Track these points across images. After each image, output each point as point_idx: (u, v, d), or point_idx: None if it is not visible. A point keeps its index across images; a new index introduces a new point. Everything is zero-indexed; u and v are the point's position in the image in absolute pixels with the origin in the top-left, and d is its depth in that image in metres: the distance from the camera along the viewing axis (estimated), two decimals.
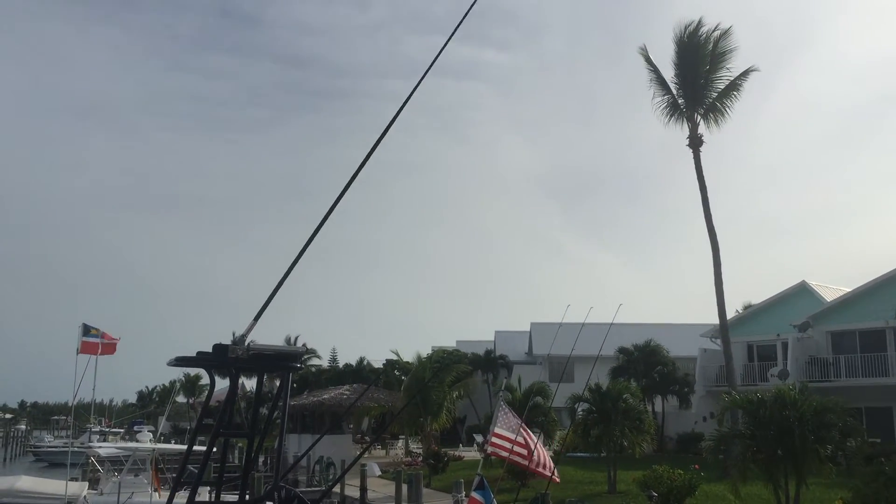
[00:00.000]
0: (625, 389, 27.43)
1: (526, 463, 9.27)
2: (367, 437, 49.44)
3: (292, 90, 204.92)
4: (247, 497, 4.85)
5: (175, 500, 5.23)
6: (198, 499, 4.77)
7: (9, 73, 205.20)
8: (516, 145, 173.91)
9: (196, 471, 5.99)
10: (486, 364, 62.73)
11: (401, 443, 47.01)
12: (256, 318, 4.60)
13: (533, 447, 9.18)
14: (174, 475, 27.17)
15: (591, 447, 26.68)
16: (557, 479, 9.37)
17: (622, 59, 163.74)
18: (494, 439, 9.37)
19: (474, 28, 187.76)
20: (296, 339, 77.13)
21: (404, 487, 24.21)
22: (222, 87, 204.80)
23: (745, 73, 34.50)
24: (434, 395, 39.05)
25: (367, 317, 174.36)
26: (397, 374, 58.78)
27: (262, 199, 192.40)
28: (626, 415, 26.21)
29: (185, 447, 38.58)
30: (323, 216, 4.52)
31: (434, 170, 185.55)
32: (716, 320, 36.07)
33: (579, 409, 31.39)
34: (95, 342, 19.90)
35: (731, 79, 34.50)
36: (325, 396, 46.53)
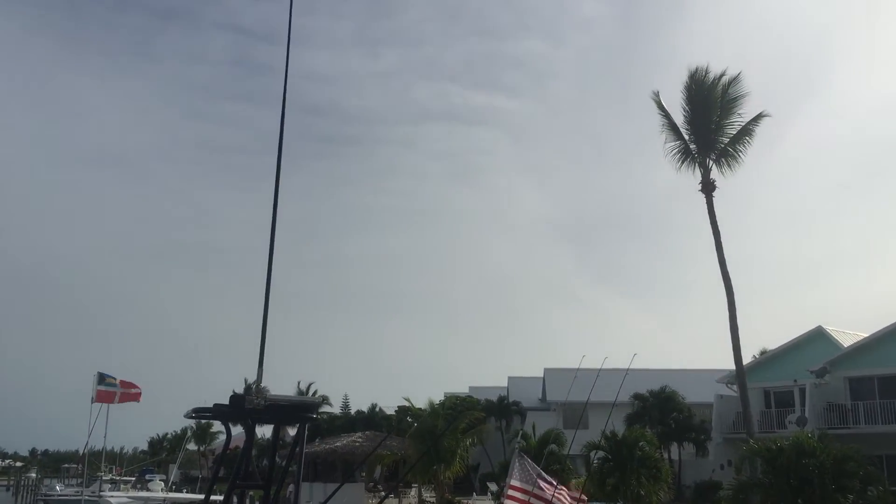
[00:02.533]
0: (640, 437, 27.08)
1: None
2: (379, 486, 48.87)
3: (305, 137, 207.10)
4: None
5: None
6: None
7: (24, 122, 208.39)
8: (528, 190, 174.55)
9: None
10: (500, 411, 62.14)
11: (414, 491, 46.42)
12: (260, 364, 4.63)
13: (550, 498, 9.00)
14: None
15: (607, 496, 26.25)
16: None
17: (631, 104, 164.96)
18: (511, 492, 9.19)
19: (484, 74, 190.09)
20: (308, 386, 76.78)
21: None
22: (237, 135, 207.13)
23: (757, 119, 34.69)
24: (447, 443, 38.64)
25: (379, 363, 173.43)
26: (410, 420, 58.27)
27: (275, 245, 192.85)
28: (642, 463, 25.85)
29: (196, 496, 38.23)
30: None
31: (446, 215, 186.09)
32: (731, 366, 35.71)
33: (594, 457, 30.97)
34: (112, 391, 19.88)
35: (743, 124, 34.69)
36: (338, 444, 46.12)
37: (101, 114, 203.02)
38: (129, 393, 20.57)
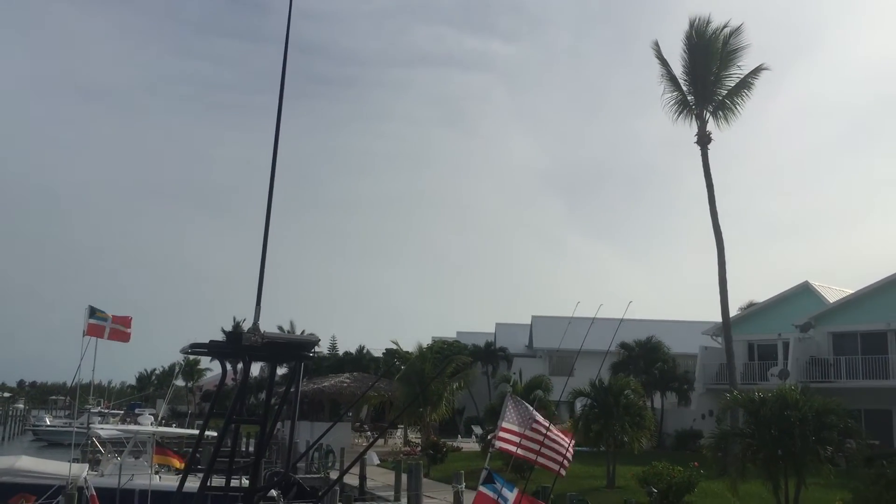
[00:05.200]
0: (626, 385, 27.42)
1: (534, 458, 9.21)
2: (365, 426, 49.55)
3: (298, 77, 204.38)
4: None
5: (186, 485, 5.24)
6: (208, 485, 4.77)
7: (13, 54, 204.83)
8: (521, 138, 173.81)
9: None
10: (487, 356, 62.81)
11: (399, 432, 47.12)
12: (258, 303, 4.59)
13: (542, 439, 9.10)
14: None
15: (590, 442, 26.70)
16: (562, 474, 9.28)
17: (628, 55, 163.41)
18: (502, 433, 9.31)
19: (481, 18, 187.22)
20: (291, 325, 77.09)
21: (403, 477, 24.26)
22: (229, 72, 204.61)
23: (756, 71, 34.32)
24: (434, 386, 39.05)
25: (367, 306, 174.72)
26: (397, 363, 58.83)
27: (265, 184, 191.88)
28: (626, 410, 26.21)
29: (184, 431, 38.67)
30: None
31: (437, 161, 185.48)
32: (717, 318, 36.05)
33: (578, 404, 31.37)
34: (102, 325, 19.85)
35: (742, 76, 34.35)
36: (325, 384, 46.61)
37: (91, 46, 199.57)
38: (119, 330, 20.47)
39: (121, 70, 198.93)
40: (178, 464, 24.53)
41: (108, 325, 19.90)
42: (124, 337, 20.47)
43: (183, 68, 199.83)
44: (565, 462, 9.33)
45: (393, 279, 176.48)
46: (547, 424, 9.23)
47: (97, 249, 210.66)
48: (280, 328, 73.63)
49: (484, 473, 8.75)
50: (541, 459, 9.08)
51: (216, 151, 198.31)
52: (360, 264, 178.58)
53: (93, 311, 19.92)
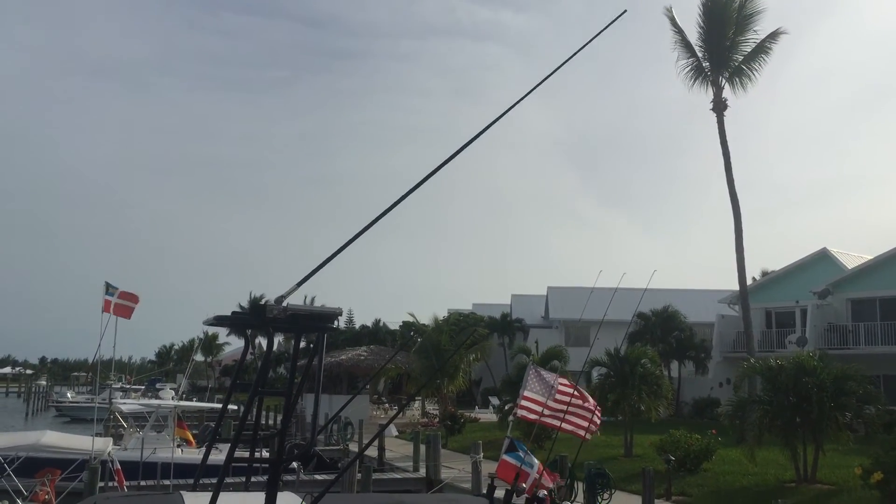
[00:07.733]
0: (643, 355, 27.41)
1: (559, 424, 9.26)
2: (383, 398, 49.93)
3: (309, 51, 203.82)
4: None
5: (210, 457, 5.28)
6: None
7: (23, 31, 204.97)
8: (534, 109, 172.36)
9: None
10: (503, 327, 62.91)
11: (417, 404, 47.45)
12: (300, 283, 4.57)
13: (566, 407, 9.13)
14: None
15: (607, 411, 26.78)
16: (588, 438, 9.33)
17: (641, 22, 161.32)
18: (524, 402, 9.36)
19: None
20: (312, 299, 77.50)
21: (422, 448, 24.46)
22: (240, 47, 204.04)
23: (773, 36, 33.83)
24: (451, 358, 39.21)
25: (383, 279, 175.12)
26: (414, 335, 59.06)
27: (278, 160, 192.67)
28: (643, 380, 26.22)
29: (204, 405, 39.11)
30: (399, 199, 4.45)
31: (449, 132, 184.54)
32: (733, 286, 35.94)
33: (595, 374, 31.42)
34: (109, 300, 19.87)
35: (759, 41, 33.85)
36: (343, 357, 46.94)
37: (100, 24, 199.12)
38: (123, 305, 20.42)
39: (129, 46, 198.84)
40: (190, 439, 24.85)
41: (114, 301, 19.90)
42: (126, 313, 20.46)
43: (194, 43, 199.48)
44: (591, 427, 9.38)
45: (407, 253, 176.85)
46: (572, 390, 9.26)
47: (114, 225, 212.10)
48: (305, 299, 74.17)
49: (506, 442, 8.81)
50: (565, 426, 9.14)
51: (228, 126, 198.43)
52: (373, 238, 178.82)
53: (108, 288, 20.00)
